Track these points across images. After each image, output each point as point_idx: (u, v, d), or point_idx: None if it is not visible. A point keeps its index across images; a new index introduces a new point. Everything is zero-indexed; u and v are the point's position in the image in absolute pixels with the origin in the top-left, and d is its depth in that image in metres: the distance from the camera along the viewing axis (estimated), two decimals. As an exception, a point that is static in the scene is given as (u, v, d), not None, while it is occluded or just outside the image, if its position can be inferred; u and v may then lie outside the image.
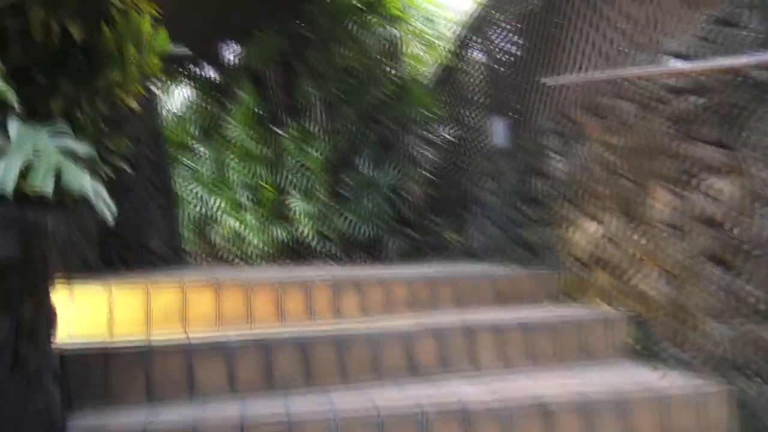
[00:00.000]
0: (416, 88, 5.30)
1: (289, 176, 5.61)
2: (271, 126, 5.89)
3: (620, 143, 2.75)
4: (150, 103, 3.69)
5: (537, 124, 3.54)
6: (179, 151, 6.63)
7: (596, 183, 2.91)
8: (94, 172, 1.52)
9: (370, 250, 5.07)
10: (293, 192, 5.56)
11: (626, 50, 2.85)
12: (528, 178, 3.52)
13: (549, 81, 3.35)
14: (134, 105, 2.19)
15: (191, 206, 6.46)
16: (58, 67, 1.81)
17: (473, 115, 4.91)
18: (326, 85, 5.27)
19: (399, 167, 4.94)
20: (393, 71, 5.41)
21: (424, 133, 5.30)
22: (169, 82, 6.85)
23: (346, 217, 5.00)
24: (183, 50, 2.38)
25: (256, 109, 5.94)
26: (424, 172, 5.05)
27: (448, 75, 5.50)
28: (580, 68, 3.20)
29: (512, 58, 4.07)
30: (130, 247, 3.07)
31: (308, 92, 5.46)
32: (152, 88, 3.89)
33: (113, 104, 2.10)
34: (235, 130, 6.07)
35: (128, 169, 2.24)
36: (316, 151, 5.33)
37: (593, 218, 2.93)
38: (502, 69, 4.22)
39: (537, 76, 3.67)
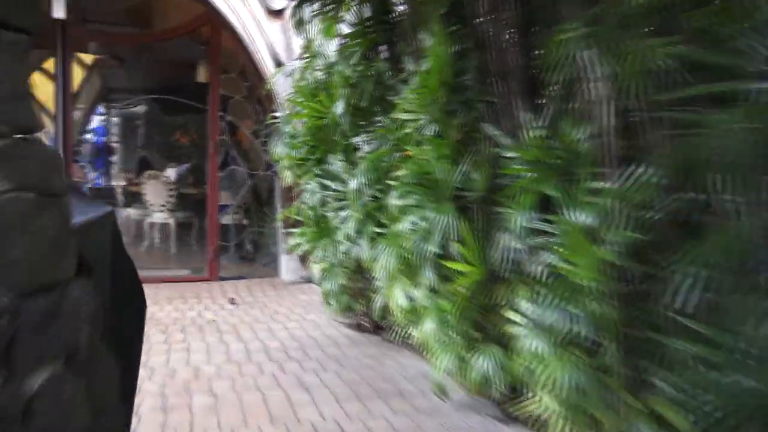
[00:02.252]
0: None
1: (513, 249, 2.49)
2: (478, 124, 2.73)
3: None
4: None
5: None
6: (320, 144, 3.89)
7: None
8: None
9: None
10: (519, 290, 2.45)
11: None
12: None
13: None
14: None
15: (337, 245, 3.77)
16: None
17: None
18: (624, 42, 1.90)
19: None
20: None
21: None
22: (322, 15, 3.98)
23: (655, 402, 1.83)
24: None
25: (450, 80, 2.79)
26: None
27: None
28: None
29: None
30: None
31: (571, 56, 2.13)
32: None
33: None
34: (408, 115, 3.04)
35: None
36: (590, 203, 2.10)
37: None
38: None
39: None
